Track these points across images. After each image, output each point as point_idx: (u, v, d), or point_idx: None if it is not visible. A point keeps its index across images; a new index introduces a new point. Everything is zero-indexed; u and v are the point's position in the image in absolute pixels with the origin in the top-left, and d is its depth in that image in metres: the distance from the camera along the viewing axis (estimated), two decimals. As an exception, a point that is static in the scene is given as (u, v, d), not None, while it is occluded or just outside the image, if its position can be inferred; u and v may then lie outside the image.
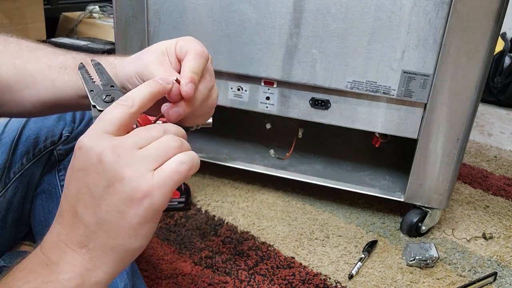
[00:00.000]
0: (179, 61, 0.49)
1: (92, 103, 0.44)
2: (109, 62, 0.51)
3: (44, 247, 0.37)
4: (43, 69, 0.52)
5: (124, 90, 0.49)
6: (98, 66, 0.48)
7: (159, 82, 0.42)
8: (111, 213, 0.35)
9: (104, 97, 0.45)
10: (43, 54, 0.53)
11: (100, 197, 0.35)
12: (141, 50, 0.51)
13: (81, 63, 0.48)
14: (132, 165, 0.35)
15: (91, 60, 0.48)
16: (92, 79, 0.47)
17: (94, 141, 0.36)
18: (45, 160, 0.73)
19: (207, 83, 0.48)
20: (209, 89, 0.49)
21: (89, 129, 0.38)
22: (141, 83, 0.45)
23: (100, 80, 0.46)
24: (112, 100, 0.44)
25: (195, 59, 0.47)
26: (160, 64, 0.47)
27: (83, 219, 0.36)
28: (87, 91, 0.45)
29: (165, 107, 0.45)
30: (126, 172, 0.35)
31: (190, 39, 0.51)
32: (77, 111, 0.74)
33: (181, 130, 0.40)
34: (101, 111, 0.43)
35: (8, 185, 0.66)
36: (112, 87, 0.46)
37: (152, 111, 0.45)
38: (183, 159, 0.36)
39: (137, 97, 0.40)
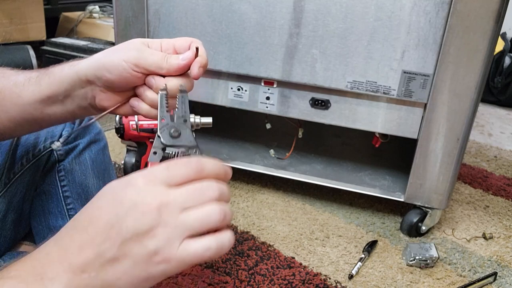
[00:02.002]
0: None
1: (158, 133, 0.44)
2: (68, 64, 0.53)
3: (43, 258, 0.37)
4: (10, 85, 0.53)
5: (103, 88, 0.50)
6: (182, 94, 0.48)
7: (226, 170, 0.41)
8: (128, 259, 0.35)
9: (172, 131, 0.44)
10: (11, 72, 0.55)
11: (126, 239, 0.35)
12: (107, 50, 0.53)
13: (165, 86, 0.49)
14: (167, 228, 0.36)
15: (179, 86, 0.50)
16: (167, 106, 0.46)
17: (149, 190, 0.37)
18: (45, 160, 0.73)
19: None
20: None
21: (151, 169, 0.38)
22: (135, 71, 0.49)
23: (177, 109, 0.46)
24: (178, 136, 0.44)
25: (202, 46, 0.53)
26: (152, 49, 0.51)
27: (99, 247, 0.36)
28: (158, 117, 0.45)
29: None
30: (159, 233, 0.35)
31: (182, 38, 0.55)
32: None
33: (229, 193, 0.40)
34: (164, 145, 0.44)
35: (8, 185, 0.66)
36: (185, 121, 0.46)
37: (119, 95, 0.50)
38: (211, 245, 0.36)
39: (207, 169, 0.39)
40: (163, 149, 0.44)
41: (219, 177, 0.39)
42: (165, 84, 0.49)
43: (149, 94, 0.52)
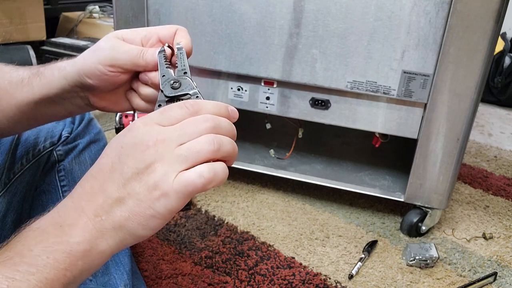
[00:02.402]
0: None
1: (161, 88, 0.46)
2: (57, 66, 0.52)
3: (61, 209, 0.39)
4: (5, 85, 0.53)
5: (89, 81, 0.50)
6: (180, 51, 0.50)
7: (228, 108, 0.42)
8: (132, 197, 0.37)
9: (173, 82, 0.46)
10: (6, 70, 0.55)
11: (128, 178, 0.38)
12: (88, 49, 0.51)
13: (163, 46, 0.49)
14: (164, 162, 0.37)
15: (177, 44, 0.50)
16: (167, 64, 0.48)
17: (145, 130, 0.39)
18: (45, 160, 0.73)
19: None
20: None
21: (149, 114, 0.40)
22: (112, 71, 0.48)
23: (176, 66, 0.48)
24: (179, 87, 0.46)
25: (187, 37, 0.52)
26: (125, 44, 0.49)
27: (106, 191, 0.38)
28: (159, 76, 0.47)
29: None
30: (156, 168, 0.37)
31: (167, 26, 0.54)
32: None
33: (232, 127, 0.42)
34: (167, 97, 0.45)
35: (8, 185, 0.66)
36: (185, 74, 0.47)
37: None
38: (203, 172, 0.37)
39: (204, 108, 0.41)
40: (169, 102, 0.45)
41: (220, 114, 0.41)
42: (165, 46, 0.49)
43: (143, 90, 0.51)
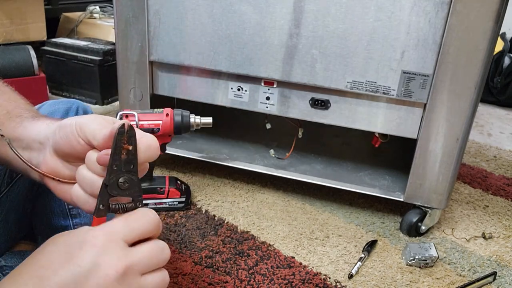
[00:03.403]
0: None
1: (105, 182, 0.40)
2: (46, 124, 0.48)
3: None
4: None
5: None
6: (130, 134, 0.41)
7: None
8: None
9: (122, 181, 0.41)
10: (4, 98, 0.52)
11: None
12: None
13: (123, 124, 0.40)
14: None
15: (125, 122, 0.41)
16: (122, 150, 0.41)
17: (110, 252, 0.35)
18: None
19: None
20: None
21: (109, 225, 0.36)
22: (80, 136, 0.43)
23: (127, 155, 0.41)
24: (127, 188, 0.41)
25: (149, 155, 0.43)
26: (104, 120, 0.44)
27: None
28: (109, 162, 0.40)
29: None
30: None
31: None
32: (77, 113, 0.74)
33: None
34: (110, 195, 0.40)
35: (10, 185, 0.66)
36: (132, 168, 0.41)
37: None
38: None
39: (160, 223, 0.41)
40: (109, 201, 0.41)
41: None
42: (125, 122, 0.41)
43: (84, 173, 0.42)
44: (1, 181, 0.65)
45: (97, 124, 0.43)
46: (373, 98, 1.05)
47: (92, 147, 0.43)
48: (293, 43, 1.04)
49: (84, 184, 0.42)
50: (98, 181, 0.41)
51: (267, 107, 1.14)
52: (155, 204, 1.16)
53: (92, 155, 0.42)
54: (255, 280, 0.96)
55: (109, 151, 0.40)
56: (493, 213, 1.30)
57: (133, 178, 0.41)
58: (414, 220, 1.14)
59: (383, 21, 0.97)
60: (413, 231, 1.15)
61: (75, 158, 0.45)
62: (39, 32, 2.06)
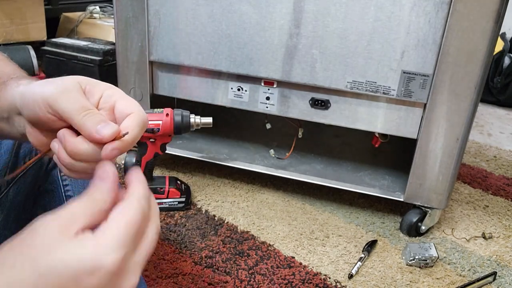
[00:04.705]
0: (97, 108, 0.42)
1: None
2: (16, 83, 0.45)
3: None
4: None
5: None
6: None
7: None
8: None
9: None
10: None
11: None
12: (53, 78, 0.43)
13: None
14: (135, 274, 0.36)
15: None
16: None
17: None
18: (48, 160, 0.73)
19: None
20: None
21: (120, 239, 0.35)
22: (49, 113, 0.40)
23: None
24: None
25: (140, 128, 0.41)
26: (78, 93, 0.41)
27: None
28: None
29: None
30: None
31: (130, 99, 0.43)
32: None
33: None
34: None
35: (11, 185, 0.66)
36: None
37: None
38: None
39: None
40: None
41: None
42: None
43: (70, 140, 0.41)
44: (0, 181, 0.65)
45: (70, 102, 0.40)
46: (373, 98, 1.05)
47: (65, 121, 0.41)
48: (293, 43, 1.04)
49: (68, 149, 0.41)
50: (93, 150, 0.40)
51: (267, 107, 1.14)
52: (155, 204, 1.16)
53: (59, 134, 0.41)
54: (255, 280, 0.96)
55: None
56: (493, 213, 1.30)
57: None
58: (414, 220, 1.14)
59: (383, 21, 0.97)
60: (413, 231, 1.15)
61: (44, 127, 0.43)
62: (39, 32, 2.06)
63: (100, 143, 0.40)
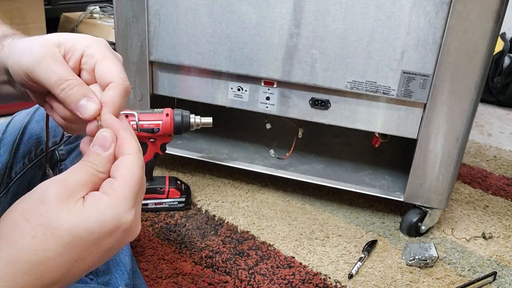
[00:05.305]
0: (80, 67, 0.42)
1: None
2: (1, 43, 0.44)
3: None
4: None
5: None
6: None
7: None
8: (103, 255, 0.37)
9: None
10: None
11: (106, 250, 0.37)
12: (31, 37, 0.43)
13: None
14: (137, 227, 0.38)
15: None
16: None
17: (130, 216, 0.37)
18: (47, 159, 0.73)
19: None
20: None
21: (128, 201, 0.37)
22: (32, 81, 0.40)
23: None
24: None
25: (122, 98, 0.41)
26: (55, 61, 0.40)
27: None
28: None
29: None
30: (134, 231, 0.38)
31: (110, 59, 0.41)
32: None
33: None
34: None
35: (10, 185, 0.66)
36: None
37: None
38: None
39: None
40: None
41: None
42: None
43: (59, 107, 0.42)
44: (0, 181, 0.65)
45: (47, 73, 0.39)
46: (373, 98, 1.05)
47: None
48: (293, 43, 1.04)
49: (60, 112, 0.42)
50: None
51: (267, 107, 1.14)
52: (155, 204, 1.16)
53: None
54: (255, 280, 0.96)
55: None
56: (493, 213, 1.30)
57: None
58: (414, 220, 1.14)
59: (383, 21, 0.97)
60: (413, 231, 1.15)
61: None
62: (39, 32, 2.06)
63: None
